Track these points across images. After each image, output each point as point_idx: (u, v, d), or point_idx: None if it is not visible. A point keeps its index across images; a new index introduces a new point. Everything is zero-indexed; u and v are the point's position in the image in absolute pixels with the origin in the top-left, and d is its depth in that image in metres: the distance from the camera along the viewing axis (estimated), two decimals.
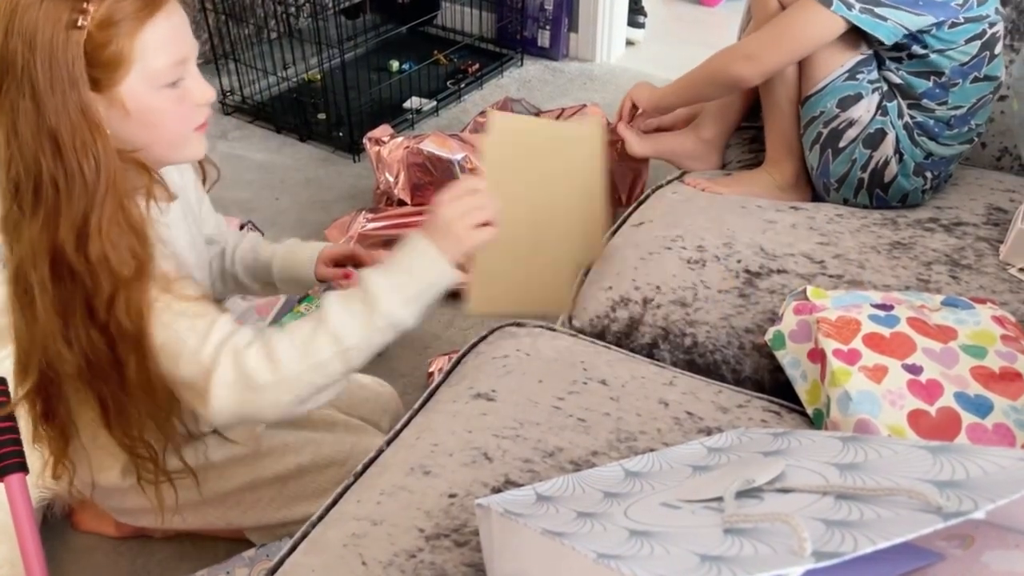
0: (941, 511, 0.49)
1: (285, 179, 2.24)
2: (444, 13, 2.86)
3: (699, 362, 1.14)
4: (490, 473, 0.88)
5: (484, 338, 1.12)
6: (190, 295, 0.94)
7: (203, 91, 0.94)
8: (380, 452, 0.95)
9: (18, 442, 1.02)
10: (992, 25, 1.26)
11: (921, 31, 1.23)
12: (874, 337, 0.94)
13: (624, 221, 1.38)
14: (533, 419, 0.95)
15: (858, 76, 1.29)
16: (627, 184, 1.85)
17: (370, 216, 1.86)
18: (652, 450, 0.83)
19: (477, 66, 2.68)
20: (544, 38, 2.79)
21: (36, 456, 1.11)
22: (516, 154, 1.07)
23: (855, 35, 1.25)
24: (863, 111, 1.30)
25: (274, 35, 2.52)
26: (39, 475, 1.12)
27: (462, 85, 2.60)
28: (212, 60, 2.40)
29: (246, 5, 2.48)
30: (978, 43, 1.25)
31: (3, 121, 0.87)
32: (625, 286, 1.21)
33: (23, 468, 1.01)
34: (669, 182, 1.51)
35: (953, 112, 1.30)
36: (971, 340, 0.94)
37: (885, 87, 1.31)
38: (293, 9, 2.68)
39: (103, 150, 0.87)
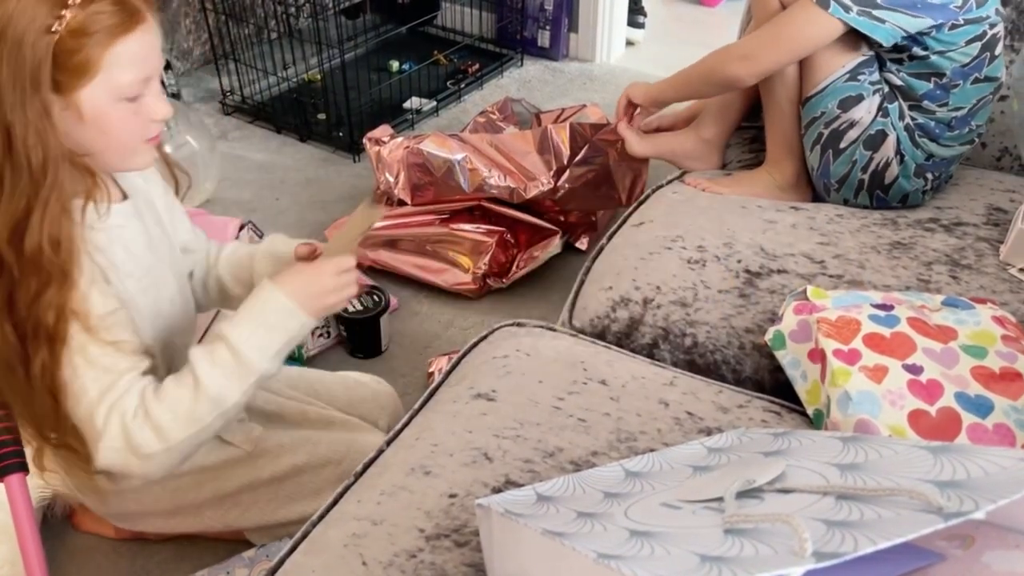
0: (942, 511, 0.49)
1: (285, 179, 2.24)
2: (444, 13, 2.86)
3: (699, 362, 1.14)
4: (490, 473, 0.88)
5: (484, 338, 1.12)
6: (107, 340, 0.94)
7: (161, 109, 0.95)
8: (380, 452, 0.95)
9: (18, 442, 1.02)
10: (992, 26, 1.26)
11: (921, 33, 1.23)
12: (874, 337, 0.94)
13: (624, 221, 1.38)
14: (533, 419, 0.95)
15: (859, 77, 1.29)
16: (627, 184, 1.85)
17: None
18: (652, 450, 0.83)
19: (477, 66, 2.68)
20: (544, 38, 2.79)
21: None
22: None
23: (855, 37, 1.25)
24: (864, 112, 1.30)
25: (274, 35, 2.51)
26: (38, 474, 1.12)
27: (462, 85, 2.60)
28: (212, 60, 2.40)
29: (246, 5, 2.48)
30: (978, 44, 1.25)
31: None
32: (625, 286, 1.21)
33: (23, 468, 1.01)
34: (669, 182, 1.51)
35: (954, 113, 1.30)
36: (971, 340, 0.94)
37: (886, 88, 1.31)
38: (293, 9, 2.68)
39: (54, 149, 0.87)
